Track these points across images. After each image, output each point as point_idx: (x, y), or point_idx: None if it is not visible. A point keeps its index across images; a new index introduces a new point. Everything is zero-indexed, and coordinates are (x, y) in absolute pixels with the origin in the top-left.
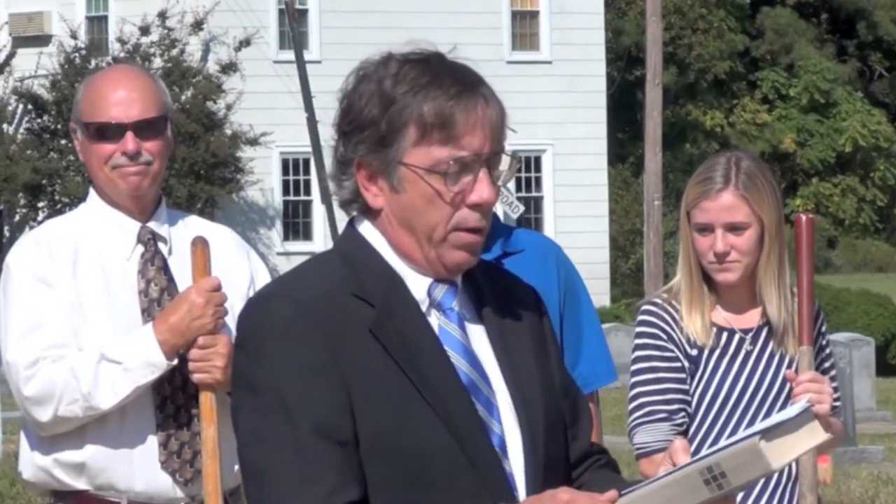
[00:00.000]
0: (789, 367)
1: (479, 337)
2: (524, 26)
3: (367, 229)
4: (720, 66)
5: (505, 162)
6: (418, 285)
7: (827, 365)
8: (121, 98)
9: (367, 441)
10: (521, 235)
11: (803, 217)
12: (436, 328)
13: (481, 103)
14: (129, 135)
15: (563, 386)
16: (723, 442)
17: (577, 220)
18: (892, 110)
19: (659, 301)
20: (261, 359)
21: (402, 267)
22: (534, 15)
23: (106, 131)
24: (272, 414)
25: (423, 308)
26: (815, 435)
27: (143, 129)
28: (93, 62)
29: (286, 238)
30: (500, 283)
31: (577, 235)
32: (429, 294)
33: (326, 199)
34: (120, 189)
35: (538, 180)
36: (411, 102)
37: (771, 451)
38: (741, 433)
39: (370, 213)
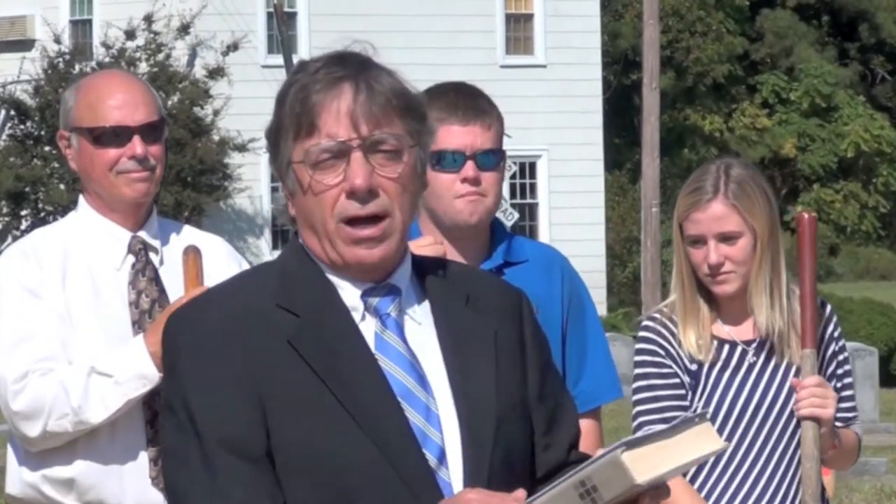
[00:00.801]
0: (796, 376)
1: (427, 343)
2: (518, 30)
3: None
4: (719, 70)
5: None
6: (351, 293)
7: (841, 372)
8: (124, 101)
9: (283, 456)
10: (526, 245)
11: (805, 216)
12: (371, 336)
13: (346, 88)
14: (137, 138)
15: (542, 392)
16: (598, 452)
17: (572, 228)
18: (895, 114)
19: (657, 316)
20: (175, 376)
21: (336, 275)
22: (528, 18)
23: (111, 135)
24: (184, 431)
25: (357, 315)
26: (706, 443)
27: (148, 132)
28: (77, 67)
29: (275, 247)
30: (470, 286)
31: (573, 243)
32: (363, 300)
33: None
34: (125, 196)
35: (532, 187)
36: (288, 94)
37: (636, 463)
38: (613, 445)
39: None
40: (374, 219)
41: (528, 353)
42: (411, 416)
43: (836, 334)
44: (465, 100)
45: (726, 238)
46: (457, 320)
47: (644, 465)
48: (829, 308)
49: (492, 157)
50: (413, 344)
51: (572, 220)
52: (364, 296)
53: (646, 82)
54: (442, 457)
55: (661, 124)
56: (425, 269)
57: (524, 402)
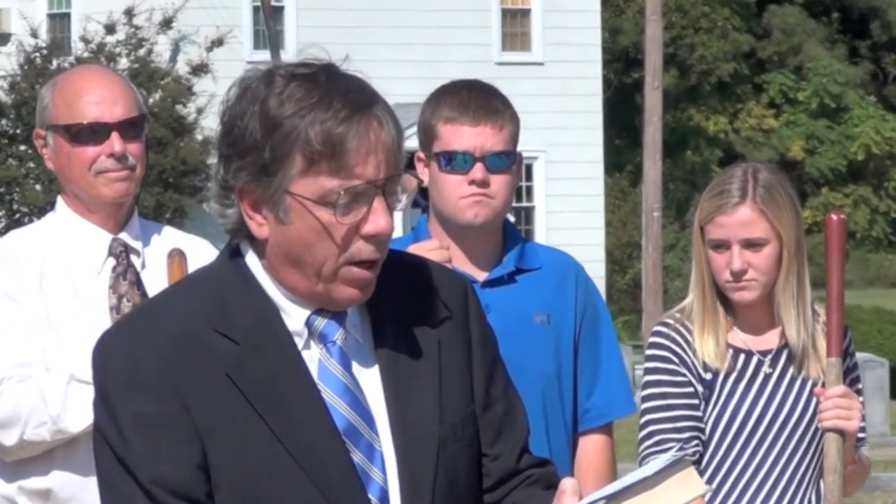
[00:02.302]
0: (811, 391)
1: (369, 371)
2: (515, 25)
3: (250, 258)
4: (724, 69)
5: (404, 182)
6: (296, 318)
7: (854, 389)
8: (102, 97)
9: (223, 497)
10: (540, 252)
11: (834, 217)
12: (314, 364)
13: (374, 126)
14: (115, 135)
15: (488, 398)
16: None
17: (570, 233)
18: None
19: (671, 322)
20: (107, 406)
21: (281, 297)
22: (525, 13)
23: (88, 133)
24: (117, 465)
25: (301, 342)
26: (689, 487)
27: (127, 129)
28: (54, 63)
29: None
30: (413, 282)
31: (571, 248)
32: (308, 325)
33: None
34: (104, 196)
35: (529, 190)
36: (297, 126)
37: None
38: (598, 494)
39: (254, 241)
40: (373, 263)
41: (474, 354)
42: (354, 456)
43: (850, 350)
44: (478, 99)
45: (751, 244)
46: (398, 336)
47: None
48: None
49: (503, 159)
50: (355, 369)
51: (571, 225)
52: (309, 321)
53: (648, 81)
54: (384, 498)
55: (664, 125)
56: None
57: (469, 416)
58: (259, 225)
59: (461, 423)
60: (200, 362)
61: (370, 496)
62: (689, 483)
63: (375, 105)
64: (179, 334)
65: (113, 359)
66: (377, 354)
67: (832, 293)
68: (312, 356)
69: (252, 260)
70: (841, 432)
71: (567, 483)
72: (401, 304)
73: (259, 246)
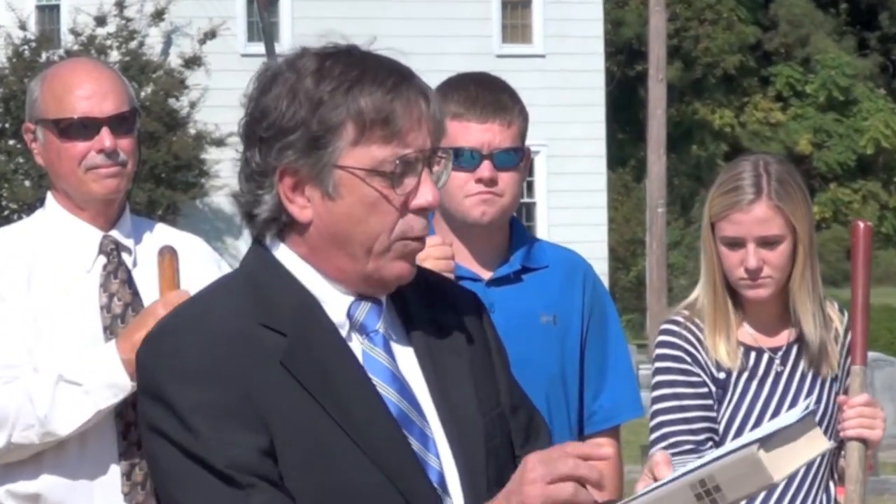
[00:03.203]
0: (822, 388)
1: (407, 360)
2: (515, 17)
3: (279, 251)
4: (730, 61)
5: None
6: (337, 307)
7: None
8: (92, 91)
9: (293, 483)
10: (548, 250)
11: (861, 224)
12: (359, 354)
13: (421, 96)
14: (105, 131)
15: (513, 402)
16: (714, 453)
17: (572, 229)
18: None
19: (680, 319)
20: (162, 403)
21: (320, 287)
22: (526, 4)
23: (78, 128)
24: (186, 459)
25: (344, 332)
26: (816, 444)
27: (118, 124)
28: (43, 56)
29: None
30: (430, 292)
31: (573, 246)
32: (349, 316)
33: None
34: (94, 193)
35: (530, 185)
36: (345, 100)
37: (771, 462)
38: (734, 443)
39: (290, 230)
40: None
41: (494, 360)
42: (410, 441)
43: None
44: (486, 94)
45: (767, 242)
46: (428, 332)
47: (778, 462)
48: (846, 316)
49: (511, 156)
50: (398, 363)
51: (572, 221)
52: (350, 310)
53: (652, 74)
54: (442, 483)
55: (668, 119)
56: None
57: (501, 415)
58: (301, 207)
59: (497, 420)
60: (252, 354)
61: (431, 480)
62: (817, 438)
63: (415, 77)
64: (226, 330)
65: (162, 357)
66: (414, 349)
67: (857, 300)
68: (355, 346)
69: (283, 253)
70: (864, 441)
71: (659, 455)
72: (425, 308)
73: (295, 234)
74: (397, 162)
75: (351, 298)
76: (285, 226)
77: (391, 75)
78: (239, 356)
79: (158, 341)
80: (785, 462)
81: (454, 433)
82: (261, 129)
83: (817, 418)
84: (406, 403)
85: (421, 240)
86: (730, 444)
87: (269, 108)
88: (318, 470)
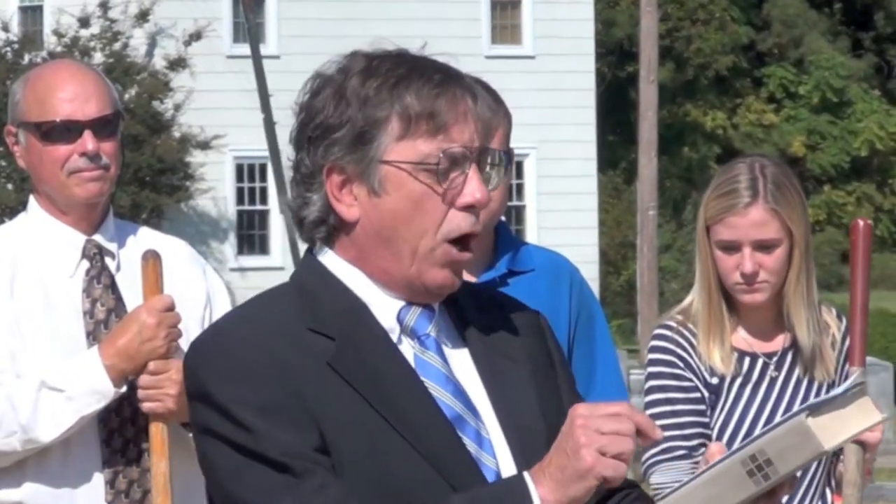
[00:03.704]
0: (818, 394)
1: (462, 363)
2: (505, 17)
3: (327, 258)
4: (722, 62)
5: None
6: (386, 312)
7: None
8: (75, 94)
9: (348, 478)
10: (534, 253)
11: (860, 223)
12: (410, 357)
13: (469, 93)
14: (88, 134)
15: None
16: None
17: (562, 233)
18: None
19: (673, 324)
20: (213, 405)
21: (370, 293)
22: (515, 4)
23: (60, 131)
24: (241, 455)
25: (394, 337)
26: (867, 415)
27: (101, 127)
28: (26, 57)
29: (241, 252)
30: (488, 302)
31: (563, 249)
32: (399, 321)
33: (285, 208)
34: (76, 197)
35: (520, 188)
36: (390, 95)
37: (821, 430)
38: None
39: (338, 232)
40: (468, 240)
41: (557, 371)
42: (465, 442)
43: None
44: None
45: (763, 246)
46: (485, 337)
47: (827, 431)
48: (844, 321)
49: None
50: (450, 363)
51: (562, 224)
52: (400, 315)
53: (643, 75)
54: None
55: (660, 120)
56: None
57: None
58: (348, 206)
59: (559, 428)
60: (299, 356)
61: (486, 478)
62: (868, 410)
63: (464, 77)
64: (272, 333)
65: (211, 359)
66: (472, 355)
67: (856, 300)
68: (407, 351)
69: (331, 259)
70: (863, 444)
71: (715, 446)
72: (481, 315)
73: (343, 237)
74: (441, 155)
75: (401, 303)
76: (334, 230)
77: (438, 72)
78: (286, 357)
79: (205, 345)
80: (835, 431)
81: (513, 435)
82: (309, 130)
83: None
84: (460, 405)
85: (467, 245)
86: (777, 419)
87: (317, 109)
88: (371, 467)
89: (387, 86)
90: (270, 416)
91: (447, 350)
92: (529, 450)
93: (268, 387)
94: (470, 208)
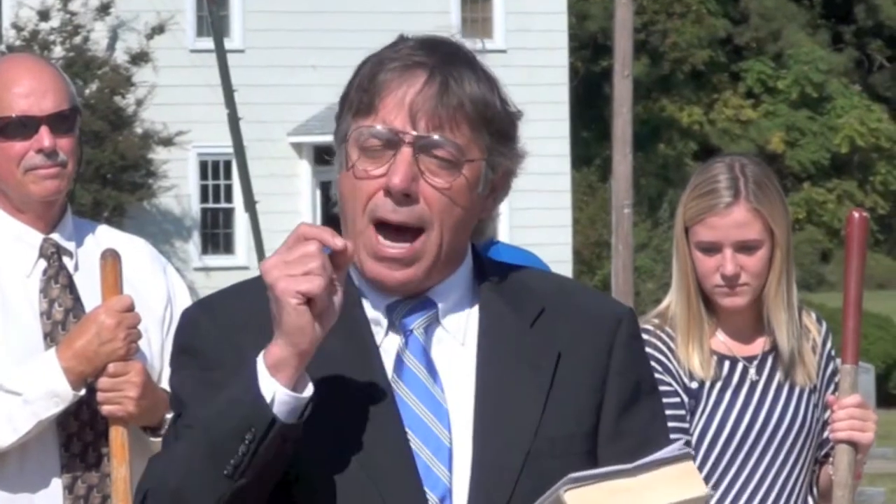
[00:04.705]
0: (798, 399)
1: (461, 364)
2: (475, 10)
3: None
4: (699, 56)
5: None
6: (376, 304)
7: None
8: (30, 89)
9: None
10: (504, 252)
11: (856, 214)
12: (391, 354)
13: (420, 77)
14: (44, 130)
15: (617, 428)
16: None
17: (535, 231)
18: (894, 105)
19: (650, 328)
20: (193, 351)
21: (363, 282)
22: None
23: (16, 127)
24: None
25: (381, 331)
26: (680, 487)
27: (58, 123)
28: None
29: (205, 251)
30: (552, 301)
31: (536, 248)
32: (388, 313)
33: (250, 206)
34: (33, 195)
35: None
36: (359, 70)
37: None
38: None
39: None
40: (406, 234)
41: (609, 379)
42: (417, 449)
43: (834, 353)
44: None
45: (745, 247)
46: (509, 340)
47: None
48: (825, 326)
49: None
50: (445, 366)
51: (535, 223)
52: (389, 309)
53: (617, 69)
54: (446, 496)
55: (635, 116)
56: (499, 278)
57: (580, 437)
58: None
59: (564, 440)
60: (264, 343)
61: (429, 493)
62: (687, 482)
63: (448, 66)
64: (249, 314)
65: (182, 328)
66: (478, 355)
67: (850, 296)
68: (392, 345)
69: None
70: (854, 445)
71: None
72: (527, 312)
73: None
74: (369, 135)
75: (393, 298)
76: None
77: (415, 53)
78: (248, 345)
79: (188, 310)
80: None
81: (482, 448)
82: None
83: (794, 430)
84: (425, 409)
85: (395, 238)
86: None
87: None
88: (309, 461)
89: (372, 61)
90: (202, 393)
91: (444, 348)
92: (492, 462)
93: (214, 368)
94: (388, 192)
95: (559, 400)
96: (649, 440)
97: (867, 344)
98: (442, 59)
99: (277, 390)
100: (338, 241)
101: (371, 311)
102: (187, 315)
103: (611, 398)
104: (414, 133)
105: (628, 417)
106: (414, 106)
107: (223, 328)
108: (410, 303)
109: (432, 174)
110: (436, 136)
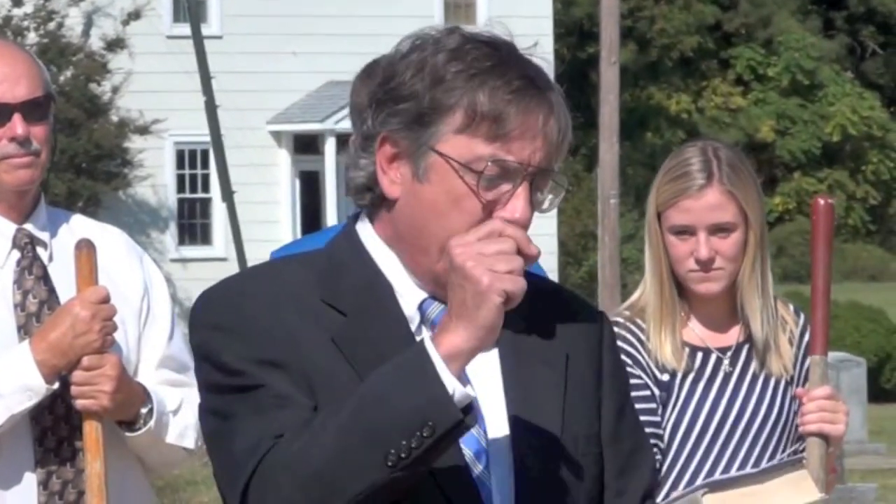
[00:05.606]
0: (774, 390)
1: (487, 363)
2: None
3: (365, 230)
4: (687, 43)
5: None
6: (410, 299)
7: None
8: (3, 75)
9: None
10: None
11: (821, 201)
12: None
13: (545, 111)
14: (17, 117)
15: (617, 431)
16: (675, 493)
17: None
18: (887, 93)
19: (620, 320)
20: (209, 356)
21: (398, 276)
22: None
23: None
24: (233, 395)
25: (413, 325)
26: (803, 493)
27: (31, 111)
28: None
29: (181, 242)
30: (552, 303)
31: None
32: (421, 311)
33: (227, 196)
34: (5, 184)
35: None
36: (464, 85)
37: None
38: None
39: (380, 206)
40: None
41: (604, 382)
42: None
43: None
44: None
45: (719, 230)
46: (523, 339)
47: None
48: (802, 317)
49: None
50: (470, 364)
51: None
52: (423, 305)
53: (604, 56)
54: (486, 490)
55: (622, 104)
56: None
57: (594, 437)
58: (391, 182)
59: (585, 439)
60: (306, 323)
61: (473, 482)
62: (803, 487)
63: (551, 91)
64: (285, 295)
65: (213, 309)
66: (500, 354)
67: (818, 286)
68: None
69: (368, 234)
70: (825, 437)
71: None
72: (529, 317)
73: (384, 213)
74: (489, 163)
75: (425, 294)
76: (378, 201)
77: (521, 78)
78: (291, 320)
79: (211, 295)
80: None
81: (519, 444)
82: (381, 91)
83: (770, 422)
84: None
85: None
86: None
87: (397, 72)
88: None
89: (465, 74)
90: (267, 369)
91: None
92: (531, 459)
93: (269, 346)
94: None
95: (574, 399)
96: (639, 443)
97: (859, 337)
98: (547, 84)
99: (457, 387)
100: (532, 249)
101: (405, 306)
102: (217, 295)
103: (608, 400)
104: (536, 165)
105: (623, 420)
106: (540, 139)
107: (266, 305)
108: (441, 304)
109: (538, 203)
110: (549, 170)
